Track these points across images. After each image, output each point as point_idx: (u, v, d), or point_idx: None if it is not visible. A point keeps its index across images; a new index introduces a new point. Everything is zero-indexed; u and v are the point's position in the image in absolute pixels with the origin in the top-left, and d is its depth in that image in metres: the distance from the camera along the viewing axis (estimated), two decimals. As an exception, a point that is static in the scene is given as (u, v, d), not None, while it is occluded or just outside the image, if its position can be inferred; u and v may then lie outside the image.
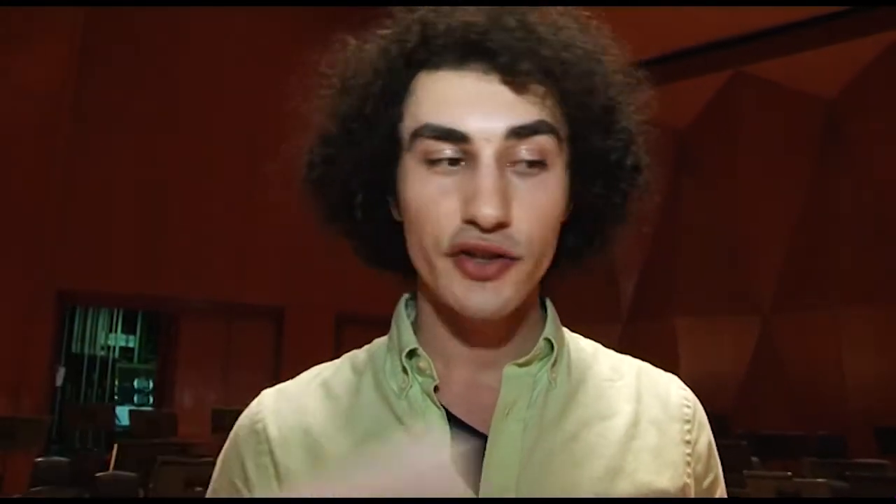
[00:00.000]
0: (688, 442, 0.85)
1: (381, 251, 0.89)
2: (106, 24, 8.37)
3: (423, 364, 0.81)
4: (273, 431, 0.83)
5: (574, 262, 0.87)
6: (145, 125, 8.49)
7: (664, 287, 11.48)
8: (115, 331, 12.43)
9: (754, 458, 6.53)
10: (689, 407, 0.88)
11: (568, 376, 0.84)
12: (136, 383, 12.48)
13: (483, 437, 0.78)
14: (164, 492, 4.26)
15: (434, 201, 0.75)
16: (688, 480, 0.84)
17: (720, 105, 11.15)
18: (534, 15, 0.80)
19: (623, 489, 0.79)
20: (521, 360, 0.80)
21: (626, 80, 0.82)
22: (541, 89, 0.76)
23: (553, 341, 0.82)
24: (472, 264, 0.74)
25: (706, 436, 0.88)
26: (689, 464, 0.84)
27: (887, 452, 7.55)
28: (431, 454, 0.73)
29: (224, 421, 7.47)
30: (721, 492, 0.89)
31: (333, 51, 0.85)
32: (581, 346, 0.89)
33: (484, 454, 0.77)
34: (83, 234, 8.08)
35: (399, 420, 0.80)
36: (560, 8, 0.82)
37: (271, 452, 0.82)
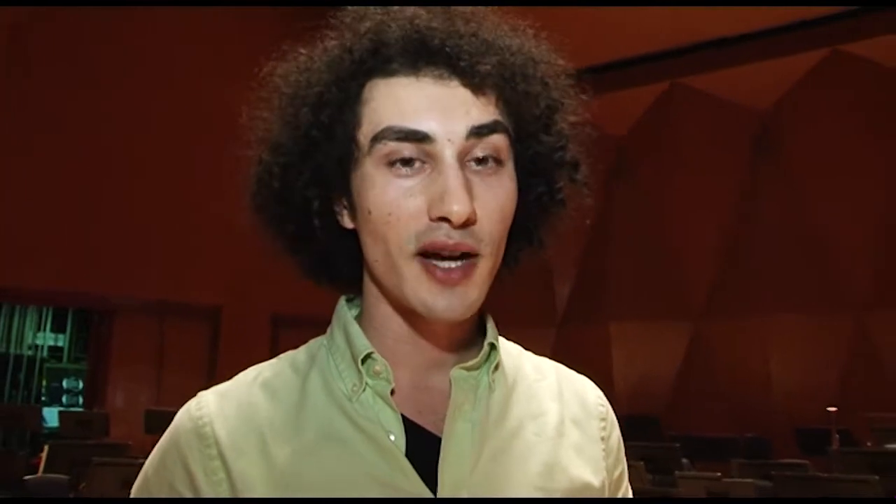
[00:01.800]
0: (603, 438, 0.92)
1: (328, 262, 0.90)
2: (35, 24, 8.18)
3: (378, 367, 0.82)
4: (222, 435, 0.81)
5: (512, 263, 0.90)
6: (78, 122, 8.30)
7: (598, 292, 11.66)
8: (44, 329, 12.07)
9: (685, 460, 6.70)
10: (603, 406, 0.95)
11: (503, 378, 0.88)
12: (64, 383, 12.14)
13: (433, 437, 0.82)
14: (97, 493, 4.18)
15: (398, 203, 0.76)
16: (604, 473, 0.90)
17: (657, 115, 11.41)
18: (481, 20, 0.83)
19: (560, 483, 0.85)
20: (468, 364, 0.84)
21: (565, 82, 0.86)
22: (494, 91, 0.79)
23: (495, 346, 0.86)
24: (439, 271, 0.76)
25: (616, 432, 0.95)
26: (605, 458, 0.91)
27: (808, 453, 7.83)
28: (392, 458, 0.78)
29: (158, 422, 7.33)
30: (627, 483, 0.96)
31: (284, 60, 0.86)
32: (508, 349, 0.93)
33: (437, 453, 0.80)
34: (11, 230, 7.85)
35: (353, 423, 0.81)
36: (495, 10, 0.86)
37: (222, 456, 0.80)
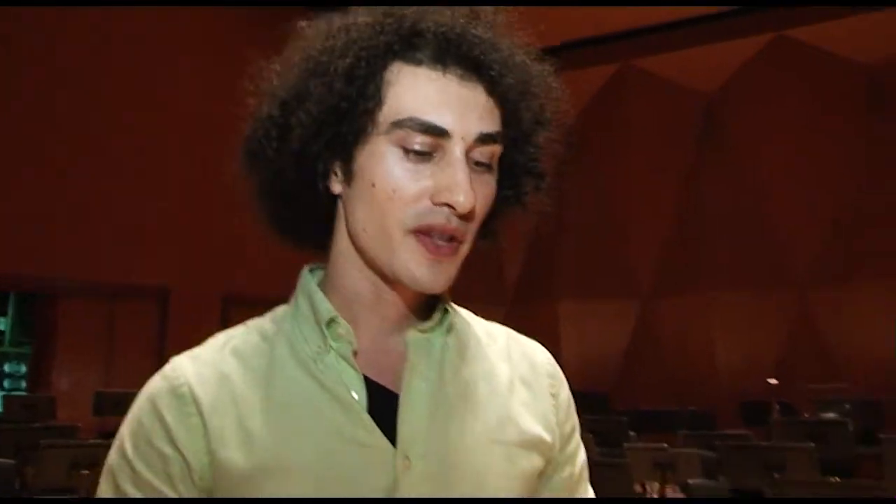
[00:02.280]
0: (553, 395, 1.00)
1: (304, 221, 0.95)
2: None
3: (341, 331, 0.89)
4: (201, 395, 0.86)
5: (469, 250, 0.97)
6: (19, 102, 8.10)
7: (547, 271, 11.80)
8: (-17, 314, 11.82)
9: (632, 433, 6.87)
10: (551, 365, 1.03)
11: (456, 339, 0.95)
12: (6, 367, 11.91)
13: (392, 395, 0.88)
14: (46, 476, 4.14)
15: (405, 183, 0.83)
16: (555, 428, 0.98)
17: (607, 96, 11.54)
18: (500, 27, 0.90)
19: (513, 435, 0.93)
20: (423, 327, 0.92)
21: (555, 103, 0.97)
22: (504, 104, 0.88)
23: (449, 310, 0.94)
24: (433, 246, 0.84)
25: (566, 390, 1.03)
26: (554, 413, 0.99)
27: (750, 424, 8.08)
28: (354, 414, 0.85)
29: (108, 404, 7.26)
30: (578, 438, 1.04)
31: (309, 28, 0.91)
32: (461, 314, 1.00)
33: (396, 409, 0.87)
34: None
35: (318, 383, 0.87)
36: (504, 13, 0.93)
37: (201, 415, 0.85)
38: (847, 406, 7.74)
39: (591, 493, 1.05)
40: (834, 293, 10.43)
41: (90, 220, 8.50)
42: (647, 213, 11.71)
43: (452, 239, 0.85)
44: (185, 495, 0.84)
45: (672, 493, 6.14)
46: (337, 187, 0.90)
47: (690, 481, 5.16)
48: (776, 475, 4.13)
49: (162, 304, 9.25)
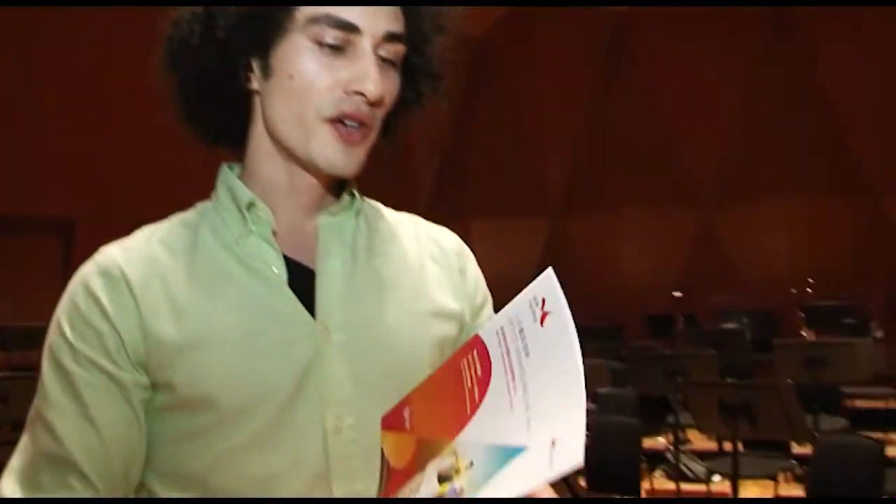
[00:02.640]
0: (461, 270, 1.09)
1: (222, 118, 1.01)
2: None
3: (261, 214, 0.96)
4: (131, 275, 0.91)
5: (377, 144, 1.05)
6: None
7: (459, 190, 11.89)
8: None
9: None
10: (459, 244, 1.12)
11: (366, 224, 1.04)
12: None
13: (310, 271, 0.96)
14: (-45, 408, 4.05)
15: (320, 74, 0.91)
16: (465, 300, 1.07)
17: (518, 15, 11.48)
18: None
19: (426, 305, 1.01)
20: (332, 211, 1.00)
21: (454, 12, 1.04)
22: (409, 11, 0.96)
23: (355, 195, 1.03)
24: (345, 132, 0.92)
25: (473, 265, 1.12)
26: (463, 287, 1.08)
27: (657, 336, 8.47)
28: (276, 288, 0.93)
29: (14, 338, 7.07)
30: (490, 309, 1.12)
31: None
32: (370, 203, 1.09)
33: (314, 285, 0.95)
34: None
35: (240, 262, 0.94)
36: None
37: (132, 292, 0.90)
38: (745, 317, 8.19)
39: None
40: (734, 211, 10.88)
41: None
42: (557, 133, 11.86)
43: (363, 125, 0.93)
44: (122, 368, 0.89)
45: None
46: (254, 83, 0.96)
47: (600, 390, 5.41)
48: (679, 380, 4.37)
49: (66, 236, 8.97)
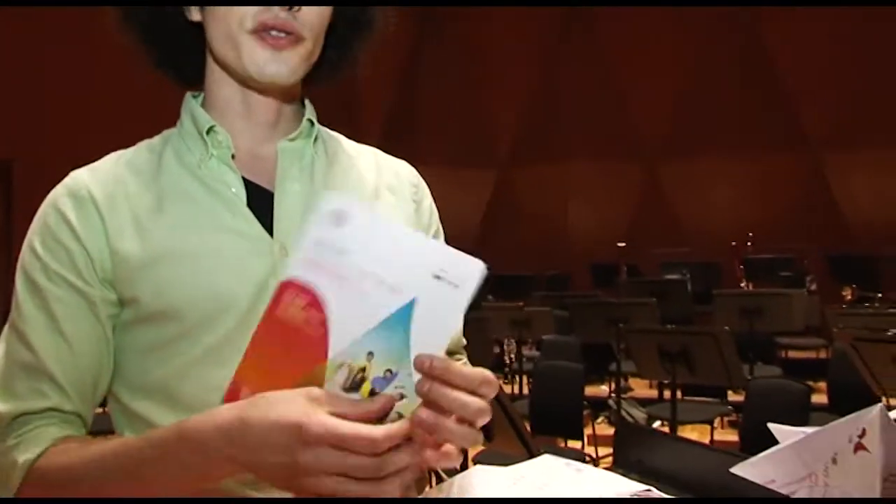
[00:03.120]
0: (415, 202, 1.13)
1: (176, 53, 1.05)
2: None
3: (220, 138, 1.00)
4: (98, 196, 0.96)
5: (330, 71, 1.10)
6: None
7: (408, 137, 11.83)
8: None
9: (490, 297, 7.20)
10: (415, 177, 1.17)
11: (325, 152, 1.08)
12: None
13: (269, 193, 1.00)
14: None
15: None
16: (417, 229, 1.08)
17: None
18: None
19: None
20: (291, 136, 1.04)
21: None
22: None
23: (313, 121, 1.06)
24: (270, 38, 0.95)
25: (429, 198, 1.17)
26: (417, 218, 1.12)
27: (601, 285, 8.62)
28: (235, 207, 0.97)
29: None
30: (442, 241, 1.13)
31: None
32: (331, 133, 1.13)
33: (272, 206, 0.99)
34: None
35: (202, 183, 0.99)
36: None
37: (99, 212, 0.95)
38: (687, 269, 8.37)
39: None
40: (677, 165, 11.06)
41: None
42: (506, 83, 11.84)
43: (289, 33, 0.95)
44: (90, 285, 0.94)
45: (528, 350, 6.56)
46: (196, 16, 1.00)
47: (545, 337, 5.51)
48: (621, 327, 4.48)
49: (4, 179, 8.72)
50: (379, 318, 0.73)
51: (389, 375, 0.73)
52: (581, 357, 4.99)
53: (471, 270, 0.72)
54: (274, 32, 0.95)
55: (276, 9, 0.94)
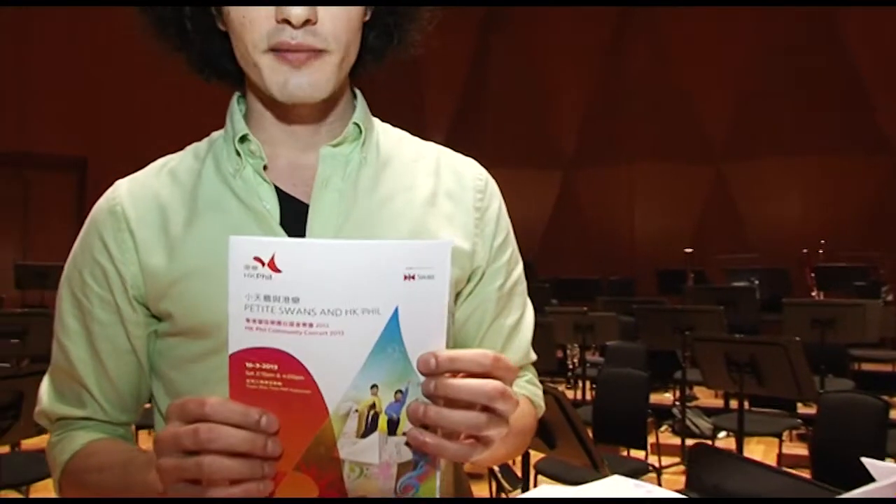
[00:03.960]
0: (478, 209, 1.03)
1: (210, 59, 1.01)
2: None
3: (253, 147, 0.95)
4: (130, 212, 0.95)
5: (376, 57, 1.02)
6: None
7: (473, 140, 11.81)
8: None
9: (554, 301, 7.13)
10: (481, 180, 1.06)
11: (377, 156, 1.00)
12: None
13: (304, 206, 0.95)
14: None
15: (250, 9, 0.87)
16: (476, 240, 1.02)
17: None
18: None
19: None
20: (333, 142, 0.97)
21: None
22: None
23: (361, 125, 0.98)
24: (288, 54, 0.87)
25: (497, 204, 1.07)
26: (477, 226, 1.02)
27: (666, 292, 8.47)
28: (266, 224, 0.92)
29: (29, 276, 7.13)
30: (512, 252, 1.07)
31: None
32: (389, 132, 1.05)
33: (306, 219, 0.94)
34: None
35: (236, 196, 0.95)
36: None
37: (129, 229, 0.95)
38: (755, 276, 8.17)
39: (528, 307, 1.11)
40: (746, 168, 10.80)
41: (3, 89, 8.09)
42: (570, 84, 11.73)
43: (308, 49, 0.87)
44: (124, 305, 0.95)
45: (592, 356, 6.48)
46: (221, 25, 0.95)
47: (609, 343, 5.44)
48: (688, 335, 4.39)
49: (79, 175, 9.00)
50: (368, 350, 0.67)
51: (401, 396, 0.69)
52: (646, 364, 4.91)
53: (438, 254, 0.67)
54: (293, 53, 0.88)
55: (288, 29, 0.86)
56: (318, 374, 0.66)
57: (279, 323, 0.65)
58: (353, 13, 0.90)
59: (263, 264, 0.65)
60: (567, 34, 11.46)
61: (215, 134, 1.03)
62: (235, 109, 0.99)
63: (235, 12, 0.88)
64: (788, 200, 10.67)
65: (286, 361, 0.66)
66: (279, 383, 0.67)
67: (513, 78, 11.79)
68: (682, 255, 9.16)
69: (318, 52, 0.87)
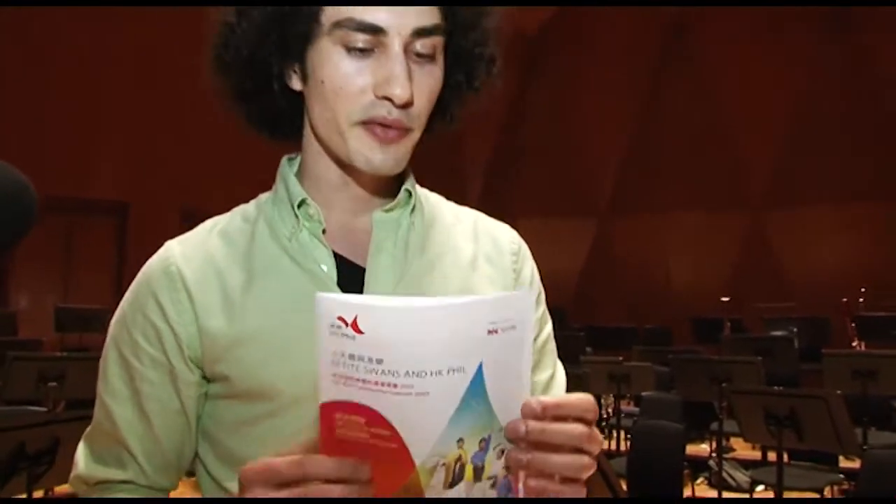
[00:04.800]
0: (515, 270, 1.07)
1: (275, 117, 1.03)
2: None
3: (311, 211, 0.98)
4: (186, 273, 0.96)
5: (428, 131, 1.03)
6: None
7: (507, 190, 11.87)
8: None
9: (588, 348, 7.07)
10: (515, 244, 1.10)
11: (422, 220, 1.03)
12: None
13: (360, 269, 0.97)
14: (16, 388, 4.17)
15: (349, 79, 0.91)
16: None
17: (567, 13, 11.41)
18: None
19: None
20: (387, 208, 1.00)
21: None
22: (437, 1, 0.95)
23: (412, 192, 1.02)
24: (379, 129, 0.92)
25: (529, 265, 1.11)
26: (514, 287, 1.06)
27: (703, 341, 8.36)
28: (325, 287, 0.94)
29: (69, 320, 7.25)
30: (543, 308, 1.10)
31: None
32: (429, 198, 1.09)
33: (363, 281, 0.97)
34: None
35: (292, 259, 0.96)
36: None
37: (187, 290, 0.95)
38: (793, 325, 8.05)
39: (559, 365, 1.13)
40: (784, 215, 10.70)
41: (44, 133, 8.32)
42: (604, 133, 11.77)
43: (398, 126, 0.92)
44: (177, 365, 0.95)
45: (627, 406, 6.40)
46: (297, 85, 0.97)
47: (644, 393, 5.37)
48: (725, 386, 4.32)
49: (120, 220, 9.17)
50: (453, 408, 0.67)
51: (484, 444, 0.70)
52: (682, 415, 4.84)
53: (521, 306, 0.69)
54: (383, 128, 0.92)
55: (388, 105, 0.90)
56: (403, 431, 0.67)
57: (364, 381, 0.66)
58: (435, 96, 0.95)
59: (346, 324, 0.65)
60: (601, 80, 11.53)
61: (262, 196, 1.04)
62: (288, 173, 1.01)
63: (332, 80, 0.91)
64: (827, 248, 10.53)
65: (373, 416, 0.67)
66: (366, 435, 0.67)
67: (549, 124, 11.87)
68: (719, 303, 9.06)
69: (404, 133, 0.92)
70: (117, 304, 1.02)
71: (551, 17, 11.59)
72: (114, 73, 8.69)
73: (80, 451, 1.00)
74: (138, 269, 1.01)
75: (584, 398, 0.74)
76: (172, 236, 1.01)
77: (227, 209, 1.06)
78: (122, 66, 8.69)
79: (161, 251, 1.00)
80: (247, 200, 1.06)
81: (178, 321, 0.94)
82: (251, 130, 1.05)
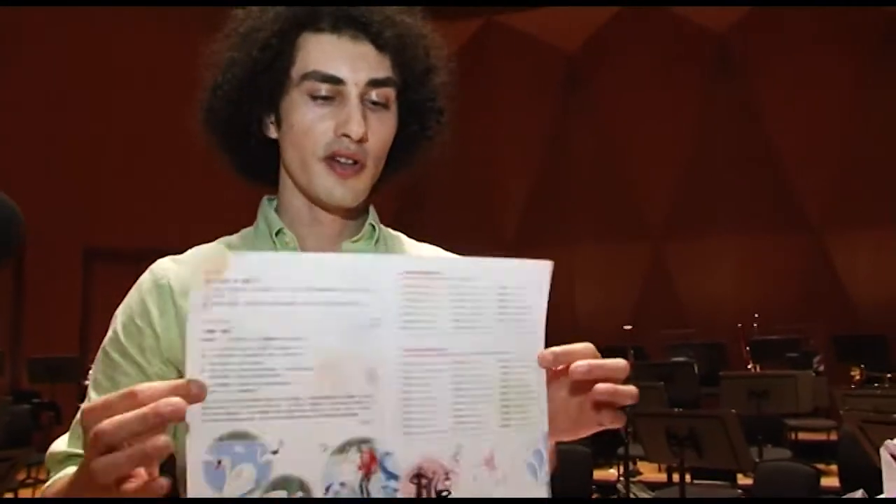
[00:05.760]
0: None
1: (255, 162, 1.20)
2: None
3: (287, 239, 1.15)
4: (177, 285, 1.10)
5: (387, 178, 1.21)
6: None
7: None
8: None
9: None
10: None
11: (386, 251, 1.21)
12: None
13: None
14: None
15: (314, 123, 1.08)
16: None
17: (471, 51, 11.66)
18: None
19: None
20: (354, 239, 1.18)
21: (440, 52, 1.20)
22: (391, 53, 1.12)
23: (375, 226, 1.20)
24: (339, 167, 1.09)
25: None
26: None
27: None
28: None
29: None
30: None
31: (231, 18, 1.16)
32: (392, 233, 1.26)
33: None
34: None
35: None
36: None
37: (174, 303, 1.09)
38: (693, 351, 8.35)
39: None
40: (684, 246, 11.13)
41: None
42: (510, 169, 12.03)
43: (355, 162, 1.09)
44: (150, 362, 1.07)
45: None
46: (273, 133, 1.15)
47: (552, 420, 5.46)
48: (628, 411, 4.46)
49: (14, 261, 8.82)
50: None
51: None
52: (589, 440, 4.96)
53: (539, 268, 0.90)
54: (342, 160, 1.08)
55: (346, 140, 1.07)
56: None
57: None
58: (387, 140, 1.12)
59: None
60: (507, 118, 11.80)
61: (245, 230, 1.21)
62: (269, 208, 1.18)
63: (300, 123, 1.08)
64: (722, 277, 10.99)
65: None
66: None
67: (453, 165, 12.03)
68: (622, 332, 9.32)
69: (359, 169, 1.09)
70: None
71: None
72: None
73: (61, 438, 1.08)
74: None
75: (588, 345, 0.88)
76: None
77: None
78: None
79: (154, 266, 1.14)
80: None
81: (162, 325, 1.08)
82: (238, 178, 1.22)
